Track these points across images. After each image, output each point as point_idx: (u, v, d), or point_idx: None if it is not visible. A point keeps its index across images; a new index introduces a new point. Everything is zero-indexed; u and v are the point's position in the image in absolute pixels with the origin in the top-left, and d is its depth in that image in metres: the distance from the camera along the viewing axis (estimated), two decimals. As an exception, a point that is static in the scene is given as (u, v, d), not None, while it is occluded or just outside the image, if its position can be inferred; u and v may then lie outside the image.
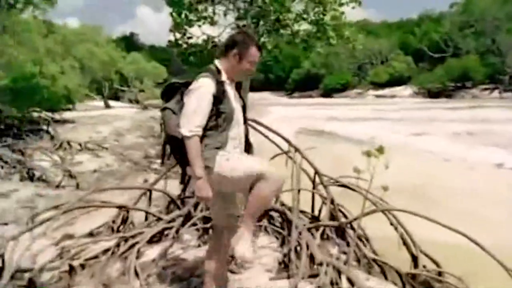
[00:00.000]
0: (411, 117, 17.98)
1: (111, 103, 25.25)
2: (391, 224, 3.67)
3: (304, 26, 4.02)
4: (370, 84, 39.67)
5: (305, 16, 3.85)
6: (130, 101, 27.05)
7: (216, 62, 2.35)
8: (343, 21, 3.94)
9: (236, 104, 2.32)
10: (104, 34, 25.74)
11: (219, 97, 2.21)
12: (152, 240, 3.44)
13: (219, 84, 2.23)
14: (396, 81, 36.88)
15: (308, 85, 44.86)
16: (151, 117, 19.07)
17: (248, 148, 2.46)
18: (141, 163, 8.62)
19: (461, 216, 5.43)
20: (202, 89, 2.18)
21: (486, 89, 30.05)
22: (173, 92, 2.31)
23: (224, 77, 2.29)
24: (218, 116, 2.21)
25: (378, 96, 36.81)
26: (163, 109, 2.29)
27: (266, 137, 4.10)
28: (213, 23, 4.27)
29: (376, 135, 12.66)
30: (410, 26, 43.45)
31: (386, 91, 37.02)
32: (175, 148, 2.27)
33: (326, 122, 17.47)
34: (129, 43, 46.28)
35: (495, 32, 31.33)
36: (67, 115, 14.78)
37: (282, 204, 3.73)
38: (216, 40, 4.58)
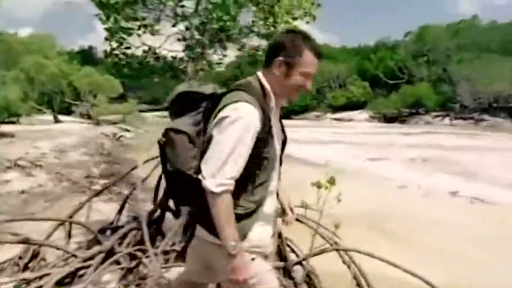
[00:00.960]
0: (368, 141, 18.07)
1: (62, 117, 24.05)
2: (344, 262, 3.33)
3: (253, 40, 3.63)
4: (328, 107, 40.23)
5: (254, 28, 3.46)
6: (82, 115, 25.90)
7: (260, 75, 1.64)
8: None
9: (278, 143, 1.67)
10: (56, 45, 24.62)
11: (264, 136, 1.55)
12: (63, 282, 2.86)
13: (266, 114, 1.56)
14: (353, 105, 37.61)
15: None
16: (102, 133, 18.19)
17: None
18: (81, 183, 7.89)
19: (416, 248, 5.18)
20: (244, 123, 1.50)
21: (438, 115, 31.08)
22: (187, 105, 1.64)
23: (272, 101, 1.62)
24: (259, 163, 1.57)
25: (336, 119, 37.33)
26: (172, 132, 1.58)
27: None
28: (154, 32, 3.78)
29: (334, 159, 12.48)
30: (367, 53, 44.72)
31: (344, 114, 37.63)
32: (180, 191, 1.62)
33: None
34: (86, 56, 44.87)
35: (446, 62, 32.66)
36: (6, 128, 13.72)
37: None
38: (158, 51, 4.08)
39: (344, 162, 11.64)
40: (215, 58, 3.93)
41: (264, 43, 3.63)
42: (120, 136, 18.20)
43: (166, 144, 1.60)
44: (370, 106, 35.70)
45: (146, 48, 4.00)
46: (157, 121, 21.59)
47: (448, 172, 9.96)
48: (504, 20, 37.94)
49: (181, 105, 1.65)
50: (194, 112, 1.62)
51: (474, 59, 28.62)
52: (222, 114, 1.52)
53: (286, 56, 1.59)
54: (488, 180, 9.08)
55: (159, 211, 3.81)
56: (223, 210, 1.50)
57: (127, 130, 20.46)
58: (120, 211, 3.72)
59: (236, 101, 1.52)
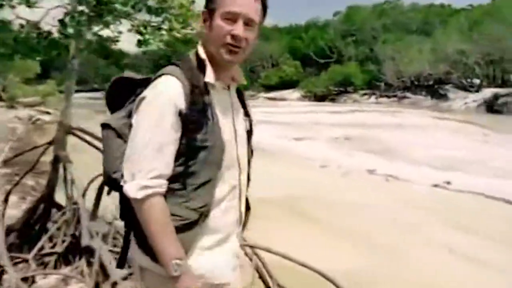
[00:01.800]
0: (297, 120, 18.24)
1: (-30, 100, 21.84)
2: (246, 254, 3.16)
3: (143, 16, 3.26)
4: (261, 86, 40.27)
5: (140, 5, 3.09)
6: (-6, 98, 23.73)
7: (199, 47, 1.27)
8: (192, 12, 3.24)
9: (230, 129, 1.26)
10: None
11: (196, 117, 1.16)
12: None
13: (197, 88, 1.18)
14: (286, 84, 37.91)
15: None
16: (16, 116, 16.81)
17: (246, 211, 1.37)
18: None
19: (332, 230, 5.19)
20: (161, 101, 1.16)
21: (365, 94, 32.20)
22: (123, 95, 1.29)
23: (210, 74, 1.23)
24: (194, 154, 1.17)
25: (269, 99, 37.50)
26: (103, 127, 1.27)
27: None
28: (30, 4, 3.27)
29: (260, 139, 12.38)
30: (298, 32, 45.09)
31: (277, 94, 37.87)
32: (122, 202, 1.24)
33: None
34: None
35: (372, 42, 33.77)
36: None
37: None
38: (41, 26, 3.59)
39: (270, 143, 11.60)
40: (108, 34, 3.55)
41: (155, 19, 3.28)
42: (37, 120, 16.89)
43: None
44: (302, 85, 36.17)
45: (23, 22, 3.50)
46: (84, 103, 20.37)
47: (368, 150, 10.25)
48: (425, 2, 39.93)
49: (117, 96, 1.30)
50: (128, 102, 1.27)
51: (397, 40, 29.82)
52: (141, 96, 1.19)
53: (207, 3, 1.24)
54: (405, 157, 9.43)
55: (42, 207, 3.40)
56: (154, 219, 1.12)
57: (48, 113, 19.03)
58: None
59: (158, 76, 1.19)
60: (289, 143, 11.66)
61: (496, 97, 21.32)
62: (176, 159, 1.17)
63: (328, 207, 5.95)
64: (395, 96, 30.07)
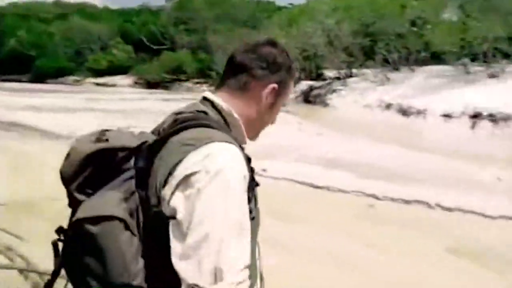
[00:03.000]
0: (124, 108, 17.40)
1: None
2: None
3: None
4: (88, 71, 37.38)
5: None
6: None
7: (219, 101, 1.08)
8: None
9: None
10: None
11: (250, 186, 0.97)
12: None
13: (245, 155, 1.01)
14: (117, 69, 35.90)
15: (16, 67, 38.71)
16: None
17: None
18: None
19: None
20: (233, 175, 0.91)
21: (198, 82, 32.58)
22: (103, 171, 0.92)
23: (244, 138, 1.12)
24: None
25: (98, 85, 35.07)
26: (89, 222, 0.85)
27: None
28: None
29: (80, 129, 11.37)
30: (130, 15, 43.10)
31: (107, 79, 35.61)
32: None
33: (25, 112, 14.99)
34: None
35: (204, 31, 34.25)
36: None
37: None
38: None
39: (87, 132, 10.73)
40: None
41: None
42: None
43: (76, 244, 0.88)
44: (134, 71, 34.72)
45: None
46: None
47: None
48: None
49: (93, 174, 0.93)
50: (118, 179, 0.92)
51: (228, 31, 30.81)
52: (188, 170, 0.89)
53: (281, 81, 1.13)
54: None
55: None
56: None
57: None
58: None
59: (201, 145, 0.92)
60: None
61: (311, 89, 23.77)
62: None
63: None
64: (226, 85, 31.16)
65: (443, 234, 4.93)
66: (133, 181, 0.92)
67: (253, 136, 1.19)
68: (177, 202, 0.89)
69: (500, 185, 6.56)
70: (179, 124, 1.00)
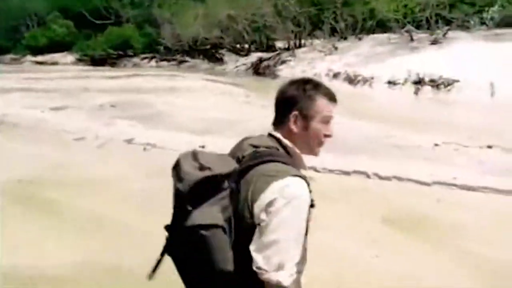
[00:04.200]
0: (64, 87, 16.43)
1: None
2: None
3: None
4: (27, 49, 35.15)
5: None
6: None
7: (279, 136, 1.46)
8: None
9: None
10: None
11: (310, 212, 1.36)
12: None
13: (308, 185, 1.37)
14: (57, 46, 33.95)
15: None
16: None
17: None
18: None
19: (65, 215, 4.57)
20: (300, 203, 1.31)
21: (145, 58, 31.38)
22: (205, 190, 1.30)
23: (303, 165, 1.49)
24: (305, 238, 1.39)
25: (38, 63, 33.12)
26: (199, 228, 1.27)
27: None
28: None
29: (9, 111, 10.61)
30: (69, -12, 40.54)
31: (47, 57, 33.70)
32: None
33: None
34: None
35: (150, 4, 32.81)
36: None
37: None
38: None
39: (20, 114, 10.03)
40: None
41: None
42: None
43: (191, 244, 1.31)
44: (76, 47, 32.96)
45: None
46: None
47: (133, 117, 9.81)
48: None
49: (198, 192, 1.30)
50: (215, 196, 1.31)
51: (173, 3, 29.66)
52: (272, 193, 1.29)
53: (301, 108, 1.45)
54: (170, 123, 9.34)
55: None
56: None
57: None
58: None
59: (279, 178, 1.31)
60: (43, 114, 10.28)
61: (260, 60, 23.47)
62: None
63: (69, 187, 5.34)
64: (174, 60, 30.20)
65: (379, 205, 4.90)
66: (228, 199, 1.31)
67: (314, 151, 1.52)
68: (263, 216, 1.28)
69: (436, 151, 6.65)
70: (259, 157, 1.37)
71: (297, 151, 1.46)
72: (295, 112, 1.45)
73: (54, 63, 32.16)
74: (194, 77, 21.03)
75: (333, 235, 4.10)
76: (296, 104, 1.46)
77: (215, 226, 1.28)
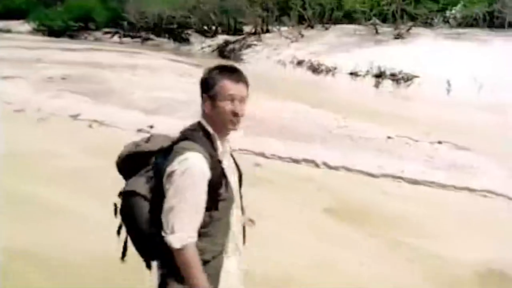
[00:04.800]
0: (15, 57, 15.43)
1: None
2: None
3: None
4: (-20, 14, 33.03)
5: None
6: None
7: (200, 119, 1.67)
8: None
9: (235, 182, 1.72)
10: None
11: (216, 181, 1.56)
12: None
13: (214, 158, 1.58)
14: (13, 13, 32.07)
15: None
16: None
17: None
18: None
19: None
20: (193, 173, 1.52)
21: (108, 32, 30.17)
22: (137, 164, 1.66)
23: (218, 144, 1.65)
24: (215, 207, 1.58)
25: (-9, 30, 31.17)
26: (128, 194, 1.60)
27: None
28: None
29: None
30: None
31: (2, 24, 31.76)
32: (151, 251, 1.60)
33: None
34: None
35: (115, -24, 31.47)
36: None
37: None
38: None
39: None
40: None
41: None
42: None
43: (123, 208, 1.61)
44: (33, 16, 31.24)
45: None
46: None
47: (83, 92, 9.30)
48: None
49: (131, 165, 1.67)
50: (144, 169, 1.64)
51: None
52: (170, 168, 1.53)
53: (207, 90, 1.65)
54: (122, 100, 8.92)
55: None
56: (190, 262, 1.51)
57: None
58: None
59: (182, 153, 1.54)
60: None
61: (226, 43, 23.04)
62: (206, 210, 1.56)
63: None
64: (139, 37, 29.21)
65: (324, 195, 4.80)
66: (152, 172, 1.62)
67: (227, 127, 1.67)
68: (167, 186, 1.54)
69: (388, 143, 6.62)
70: (179, 137, 1.64)
71: (211, 131, 1.63)
72: (204, 95, 1.66)
73: (8, 31, 30.39)
74: (157, 56, 20.35)
75: (276, 222, 3.96)
76: (204, 88, 1.66)
77: (137, 194, 1.57)
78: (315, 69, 16.24)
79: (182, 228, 1.49)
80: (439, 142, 6.82)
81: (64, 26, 30.34)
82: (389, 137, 6.95)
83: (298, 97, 10.42)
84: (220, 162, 1.61)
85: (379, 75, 14.32)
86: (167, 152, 1.59)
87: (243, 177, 1.79)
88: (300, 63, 17.12)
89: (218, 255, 1.62)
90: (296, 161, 5.74)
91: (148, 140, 1.72)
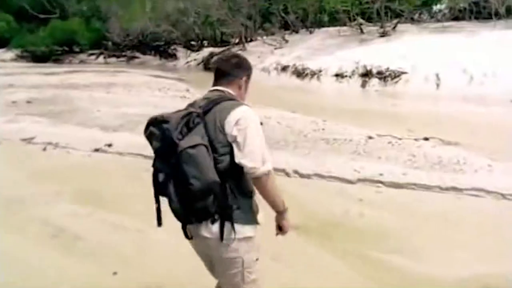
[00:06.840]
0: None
1: None
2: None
3: None
4: (-37, 45, 32.66)
5: None
6: None
7: (228, 90, 2.01)
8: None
9: None
10: None
11: None
12: None
13: None
14: (-3, 42, 31.72)
15: None
16: None
17: None
18: None
19: None
20: (256, 119, 1.90)
21: (92, 54, 29.76)
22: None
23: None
24: None
25: (-25, 60, 30.74)
26: (189, 148, 1.74)
27: None
28: None
29: None
30: (11, -20, 38.07)
31: (-16, 54, 31.37)
32: (208, 199, 1.79)
33: None
34: None
35: (95, -2, 31.16)
36: None
37: None
38: None
39: None
40: None
41: None
42: None
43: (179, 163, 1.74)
44: (16, 43, 30.84)
45: None
46: None
47: (45, 114, 8.71)
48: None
49: (182, 128, 1.79)
50: (193, 130, 1.80)
51: (120, -4, 28.21)
52: (235, 116, 1.84)
53: (249, 75, 2.05)
54: (85, 120, 8.33)
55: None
56: (275, 183, 1.91)
57: None
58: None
59: (239, 105, 1.89)
60: None
61: (211, 55, 22.55)
62: None
63: None
64: (124, 56, 28.81)
65: (293, 210, 4.16)
66: (203, 129, 1.82)
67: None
68: (235, 133, 1.82)
69: (368, 144, 6.01)
70: (217, 99, 1.93)
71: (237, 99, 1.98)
72: (245, 76, 2.05)
73: (-9, 60, 29.98)
74: (139, 73, 19.85)
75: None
76: (246, 71, 2.08)
77: (199, 144, 1.76)
78: (299, 74, 15.69)
79: (268, 158, 1.86)
80: (426, 139, 6.21)
81: (48, 51, 29.93)
82: (370, 137, 6.34)
83: (280, 103, 9.85)
84: None
85: (366, 75, 13.76)
86: (206, 113, 1.86)
87: None
88: (284, 68, 16.58)
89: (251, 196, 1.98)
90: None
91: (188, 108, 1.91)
